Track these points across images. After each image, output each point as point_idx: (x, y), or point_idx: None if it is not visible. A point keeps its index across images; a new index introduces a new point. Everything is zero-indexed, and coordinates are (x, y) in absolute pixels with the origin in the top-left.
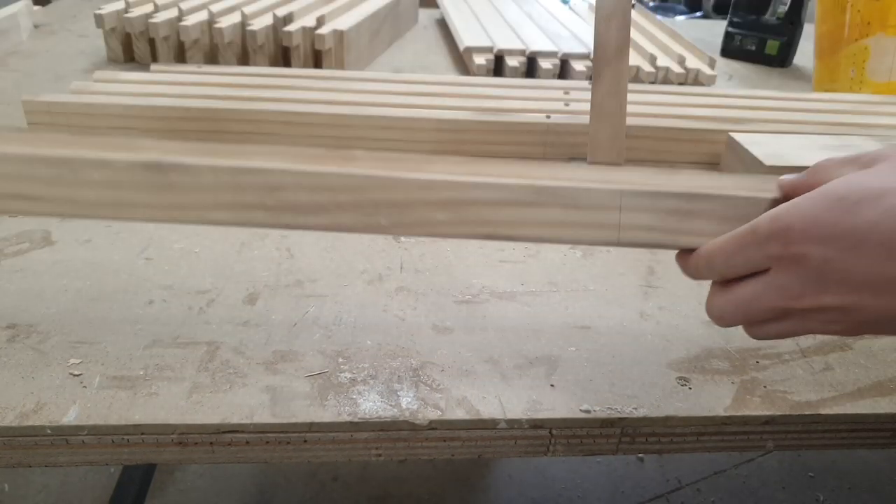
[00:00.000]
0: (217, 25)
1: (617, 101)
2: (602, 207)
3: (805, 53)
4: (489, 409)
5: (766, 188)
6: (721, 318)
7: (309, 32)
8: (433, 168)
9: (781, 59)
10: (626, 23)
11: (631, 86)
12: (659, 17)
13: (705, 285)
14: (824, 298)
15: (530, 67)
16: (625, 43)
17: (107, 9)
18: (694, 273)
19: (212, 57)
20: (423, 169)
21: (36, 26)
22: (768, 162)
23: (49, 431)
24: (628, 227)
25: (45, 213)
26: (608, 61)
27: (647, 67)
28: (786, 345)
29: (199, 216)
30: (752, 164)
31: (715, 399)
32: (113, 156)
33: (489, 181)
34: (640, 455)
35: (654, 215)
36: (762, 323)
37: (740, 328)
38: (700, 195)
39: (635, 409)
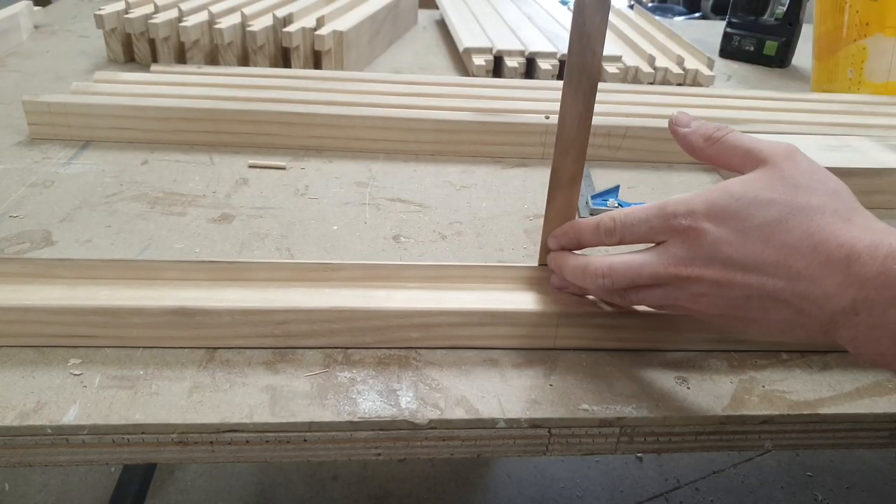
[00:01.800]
0: (217, 26)
1: (567, 218)
2: (542, 325)
3: (803, 54)
4: (488, 408)
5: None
6: (609, 274)
7: (309, 33)
8: (407, 274)
9: (780, 60)
10: (582, 156)
11: (630, 86)
12: (657, 17)
13: None
14: (707, 270)
15: (529, 68)
16: (578, 172)
17: (107, 9)
18: (591, 234)
19: (212, 58)
20: (400, 276)
21: (36, 27)
22: None
23: (49, 431)
24: (563, 337)
25: (101, 346)
26: (562, 187)
27: (646, 68)
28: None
29: (223, 343)
30: None
31: (713, 398)
32: (147, 304)
33: (451, 308)
34: (639, 454)
35: (584, 329)
36: (641, 288)
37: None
38: (622, 313)
39: (634, 408)
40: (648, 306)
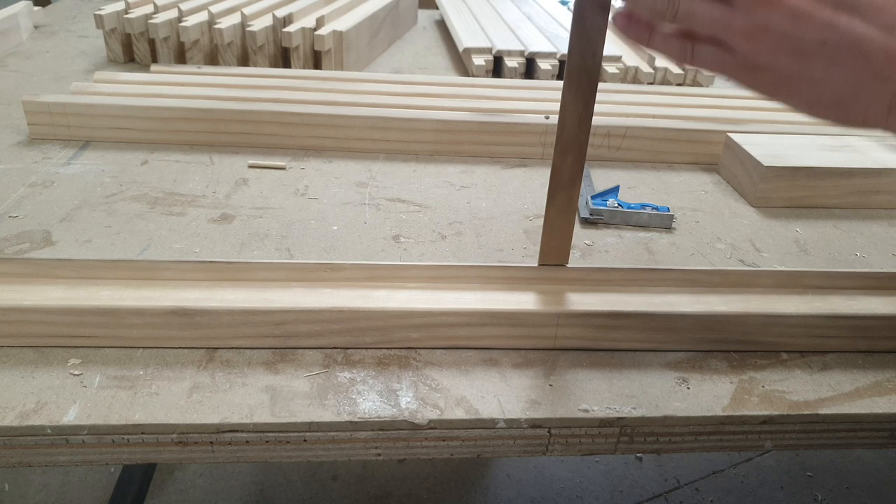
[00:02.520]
0: (217, 26)
1: (567, 218)
2: (542, 325)
3: None
4: (488, 408)
5: (681, 301)
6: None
7: (308, 33)
8: (406, 274)
9: None
10: (582, 156)
11: (630, 87)
12: None
13: None
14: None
15: (529, 68)
16: (578, 172)
17: (107, 10)
18: None
19: (212, 58)
20: (400, 276)
21: (36, 27)
22: (766, 162)
23: (49, 431)
24: (563, 336)
25: (101, 346)
26: (563, 186)
27: (646, 68)
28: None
29: (223, 343)
30: (750, 165)
31: (713, 399)
32: (147, 304)
33: (451, 308)
34: (639, 454)
35: (584, 329)
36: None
37: None
38: (622, 313)
39: (634, 408)
40: (695, 27)
